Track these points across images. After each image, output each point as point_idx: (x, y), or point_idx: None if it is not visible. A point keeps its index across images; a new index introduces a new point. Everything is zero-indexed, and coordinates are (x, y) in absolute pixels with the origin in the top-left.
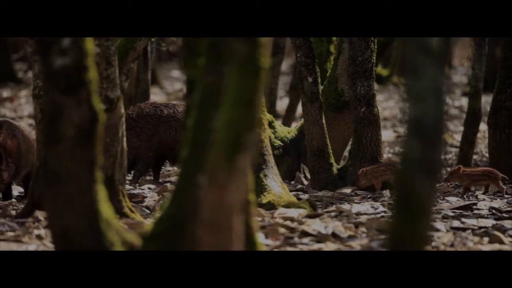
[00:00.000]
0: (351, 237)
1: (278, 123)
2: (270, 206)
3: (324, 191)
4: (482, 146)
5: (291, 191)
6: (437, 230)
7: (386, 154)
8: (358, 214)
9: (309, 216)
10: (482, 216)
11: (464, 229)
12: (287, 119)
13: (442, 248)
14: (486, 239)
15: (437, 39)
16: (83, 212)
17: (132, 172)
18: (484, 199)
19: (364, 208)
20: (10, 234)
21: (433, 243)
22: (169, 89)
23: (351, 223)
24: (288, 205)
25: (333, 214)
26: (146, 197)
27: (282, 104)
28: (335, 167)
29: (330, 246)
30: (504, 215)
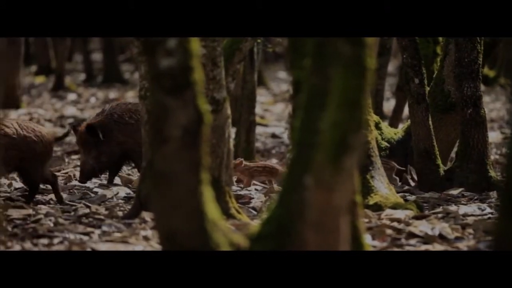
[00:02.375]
0: (458, 239)
1: (384, 125)
2: (377, 207)
3: (431, 192)
4: None
5: (398, 192)
6: None
7: (493, 155)
8: (465, 215)
9: (416, 218)
10: None
11: None
12: (394, 120)
13: None
14: None
15: None
16: (190, 213)
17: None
18: None
19: (471, 209)
20: (117, 235)
21: None
22: (275, 90)
23: (458, 225)
24: (395, 206)
25: (440, 215)
26: (253, 198)
27: (388, 105)
28: (441, 169)
29: (437, 247)
30: None
